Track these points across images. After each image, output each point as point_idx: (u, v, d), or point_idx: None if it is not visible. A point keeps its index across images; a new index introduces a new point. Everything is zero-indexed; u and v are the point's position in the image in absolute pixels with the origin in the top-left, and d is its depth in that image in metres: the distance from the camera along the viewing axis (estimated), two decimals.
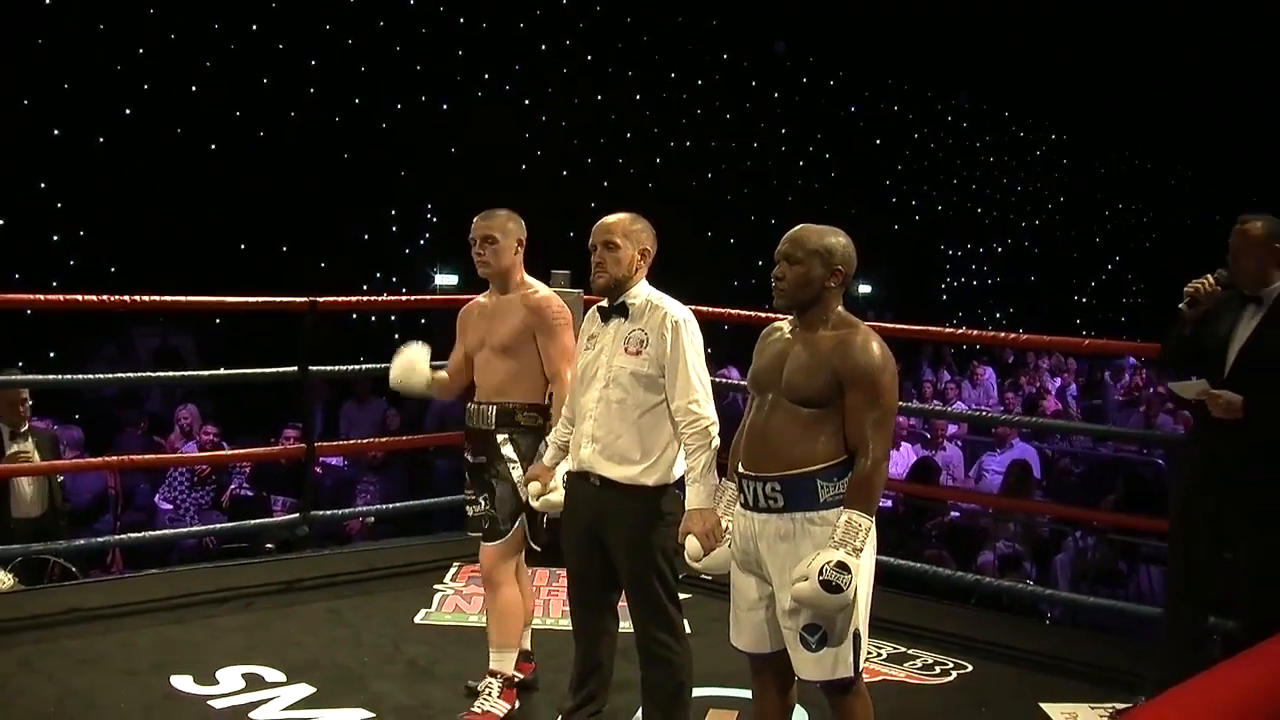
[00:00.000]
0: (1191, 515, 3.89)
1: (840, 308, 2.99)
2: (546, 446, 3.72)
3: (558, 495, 3.62)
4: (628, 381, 3.34)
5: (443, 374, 4.15)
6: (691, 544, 3.14)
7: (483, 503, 3.85)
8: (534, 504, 3.70)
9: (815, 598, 2.74)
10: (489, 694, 3.79)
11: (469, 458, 3.94)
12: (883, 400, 2.87)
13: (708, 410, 3.29)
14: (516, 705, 3.85)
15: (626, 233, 3.41)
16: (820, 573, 2.71)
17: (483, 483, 3.86)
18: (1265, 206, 3.93)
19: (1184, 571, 3.96)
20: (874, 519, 2.86)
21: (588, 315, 3.57)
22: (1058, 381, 13.67)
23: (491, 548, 3.84)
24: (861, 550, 2.79)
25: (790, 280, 2.96)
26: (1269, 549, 3.72)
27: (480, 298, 4.04)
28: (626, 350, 3.36)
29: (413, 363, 4.12)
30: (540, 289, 3.94)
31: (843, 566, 2.73)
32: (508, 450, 3.82)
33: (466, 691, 3.97)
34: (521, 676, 3.96)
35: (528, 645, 4.12)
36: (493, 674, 3.82)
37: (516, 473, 3.80)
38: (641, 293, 3.42)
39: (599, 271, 3.41)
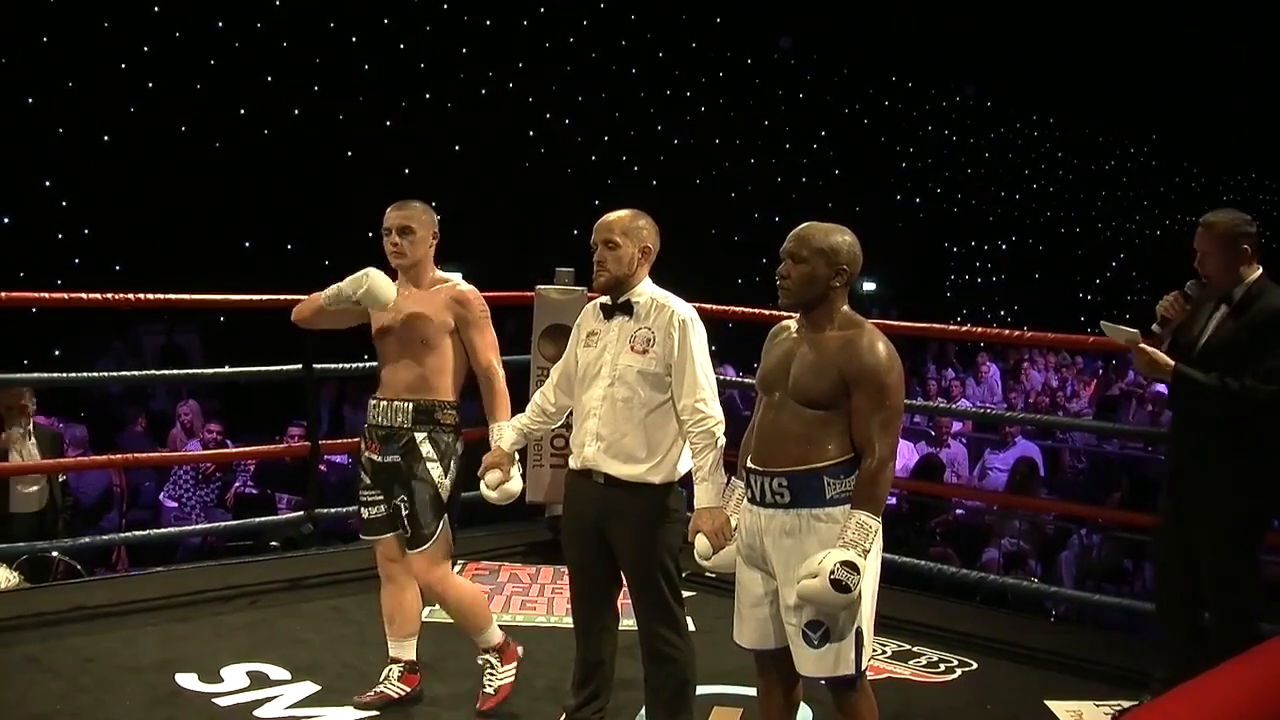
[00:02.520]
0: (1164, 511, 3.90)
1: (846, 307, 2.98)
2: (503, 431, 3.64)
3: (515, 484, 3.61)
4: (634, 380, 3.33)
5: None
6: (701, 542, 3.13)
7: (402, 506, 3.73)
8: (490, 495, 3.60)
9: (823, 595, 2.74)
10: (491, 669, 3.84)
11: (375, 457, 3.78)
12: (889, 400, 2.87)
13: (714, 409, 3.29)
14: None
15: (626, 230, 3.40)
16: (831, 571, 2.72)
17: (396, 484, 3.74)
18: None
19: (1163, 568, 3.97)
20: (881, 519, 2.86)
21: (585, 311, 3.55)
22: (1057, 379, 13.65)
23: (421, 554, 3.73)
24: (870, 551, 2.80)
25: (795, 279, 2.96)
26: (1228, 540, 3.72)
27: None
28: (633, 349, 3.35)
29: (390, 283, 3.72)
30: (459, 282, 3.82)
31: (852, 566, 2.73)
32: (427, 449, 3.70)
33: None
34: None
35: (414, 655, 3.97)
36: (485, 651, 3.85)
37: (436, 472, 3.70)
38: (645, 291, 3.42)
39: (600, 270, 3.40)
